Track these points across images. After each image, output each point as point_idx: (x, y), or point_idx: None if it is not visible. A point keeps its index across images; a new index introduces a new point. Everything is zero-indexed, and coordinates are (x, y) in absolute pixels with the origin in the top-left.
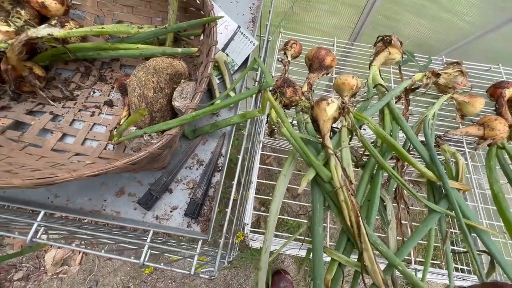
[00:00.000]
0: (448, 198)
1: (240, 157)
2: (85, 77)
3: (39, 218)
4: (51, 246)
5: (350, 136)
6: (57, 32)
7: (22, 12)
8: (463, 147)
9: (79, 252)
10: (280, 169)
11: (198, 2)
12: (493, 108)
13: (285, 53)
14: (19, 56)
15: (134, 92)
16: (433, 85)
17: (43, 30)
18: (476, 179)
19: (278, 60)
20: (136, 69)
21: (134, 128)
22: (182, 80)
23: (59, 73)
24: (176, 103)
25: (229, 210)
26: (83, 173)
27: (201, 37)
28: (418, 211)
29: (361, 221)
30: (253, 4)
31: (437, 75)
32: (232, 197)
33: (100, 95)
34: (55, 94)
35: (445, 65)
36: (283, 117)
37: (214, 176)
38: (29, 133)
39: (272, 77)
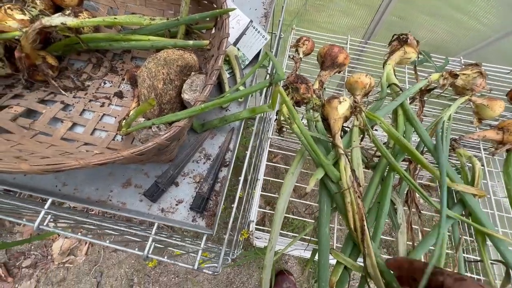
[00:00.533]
0: (462, 204)
1: (248, 153)
2: (96, 68)
3: (46, 206)
4: (58, 235)
5: (361, 136)
6: (71, 21)
7: (37, 1)
8: (479, 151)
9: (86, 243)
10: (288, 168)
11: None
12: None
13: (296, 50)
14: (33, 45)
15: (144, 83)
16: (450, 87)
17: (56, 19)
18: (491, 185)
19: (289, 57)
20: (146, 60)
21: (143, 119)
22: (193, 73)
23: (72, 63)
24: (185, 96)
25: (234, 206)
26: (90, 161)
27: (213, 31)
28: (429, 216)
29: (365, 225)
30: None
31: (455, 75)
32: (238, 194)
33: (111, 86)
34: (66, 84)
35: (463, 66)
36: (295, 113)
37: (221, 171)
38: (40, 121)
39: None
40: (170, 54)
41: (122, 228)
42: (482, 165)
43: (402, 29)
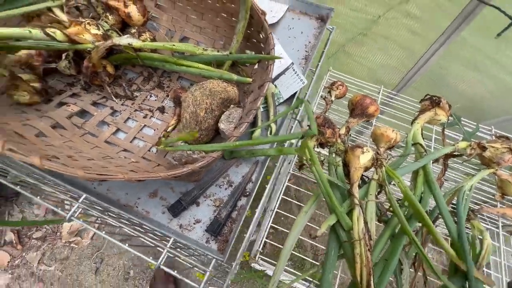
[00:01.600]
0: (465, 277)
1: (268, 186)
2: (146, 81)
3: (80, 200)
4: None
5: (378, 190)
6: (135, 42)
7: (110, 17)
8: (497, 227)
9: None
10: (299, 204)
11: (261, 36)
12: None
13: (329, 92)
14: (100, 56)
15: (188, 108)
16: (476, 155)
17: (125, 40)
18: (506, 265)
19: (321, 96)
20: (193, 87)
21: (182, 141)
22: (232, 105)
23: (125, 73)
24: (222, 126)
25: (248, 235)
26: (132, 177)
27: (256, 66)
28: (436, 284)
29: (372, 280)
30: (309, 42)
31: (483, 148)
32: (244, 215)
33: (155, 100)
34: (118, 91)
35: (493, 137)
36: (315, 159)
37: (240, 199)
38: (90, 122)
39: (313, 112)
40: (215, 85)
41: (141, 235)
42: (498, 242)
43: (440, 79)
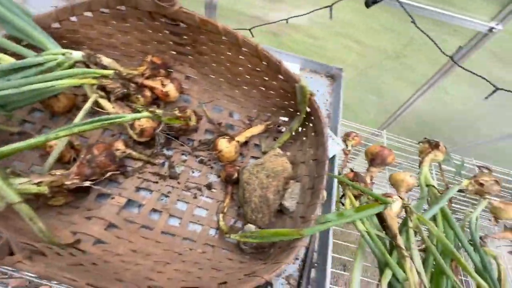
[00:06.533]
0: None
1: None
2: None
3: None
4: None
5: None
6: None
7: (141, 99)
8: (499, 247)
9: None
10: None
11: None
12: None
13: (345, 142)
14: None
15: (255, 192)
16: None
17: None
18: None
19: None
20: (253, 168)
21: (253, 226)
22: (291, 181)
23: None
24: (286, 204)
25: None
26: None
27: (294, 132)
28: None
29: None
30: (327, 100)
31: (481, 184)
32: None
33: (199, 176)
34: (159, 171)
35: (477, 168)
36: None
37: (311, 272)
38: (142, 213)
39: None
40: (275, 164)
41: None
42: (504, 263)
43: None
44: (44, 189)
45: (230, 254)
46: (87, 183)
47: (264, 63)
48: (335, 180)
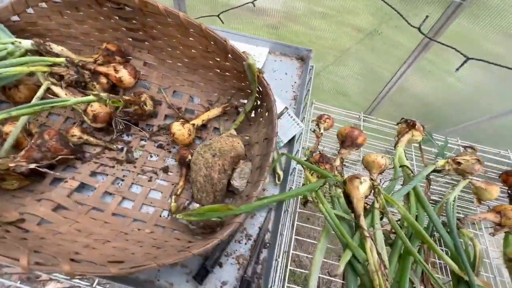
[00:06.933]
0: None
1: (279, 233)
2: (143, 141)
3: (95, 284)
4: (50, 279)
5: (380, 216)
6: None
7: (97, 86)
8: (481, 231)
9: None
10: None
11: (260, 89)
12: (507, 194)
13: (317, 125)
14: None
15: (200, 171)
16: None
17: None
18: (496, 265)
19: (310, 130)
20: (201, 149)
21: (197, 205)
22: (241, 161)
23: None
24: (235, 183)
25: None
26: (164, 262)
27: (252, 115)
28: None
29: None
30: (295, 82)
31: (458, 163)
32: (271, 268)
33: (156, 160)
34: (116, 156)
35: (461, 148)
36: (323, 199)
37: (262, 252)
38: (94, 196)
39: (308, 149)
40: (224, 144)
41: None
42: (485, 244)
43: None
44: None
45: (180, 234)
46: (32, 165)
47: (212, 43)
48: (293, 162)
